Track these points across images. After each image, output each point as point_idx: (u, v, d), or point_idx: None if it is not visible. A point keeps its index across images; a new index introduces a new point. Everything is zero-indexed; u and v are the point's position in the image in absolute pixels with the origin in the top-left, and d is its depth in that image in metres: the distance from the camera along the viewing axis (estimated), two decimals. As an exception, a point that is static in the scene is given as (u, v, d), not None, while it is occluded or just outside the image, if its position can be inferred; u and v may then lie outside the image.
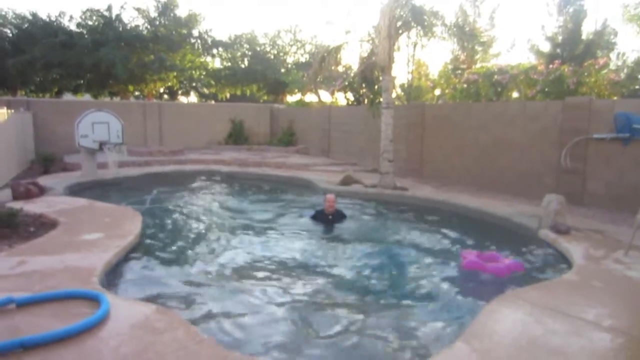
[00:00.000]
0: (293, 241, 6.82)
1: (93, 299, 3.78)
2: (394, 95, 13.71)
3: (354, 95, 17.42)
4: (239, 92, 27.88)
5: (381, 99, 10.80)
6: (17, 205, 7.30)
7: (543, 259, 5.93)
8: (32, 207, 7.42)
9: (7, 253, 5.12)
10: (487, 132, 10.71)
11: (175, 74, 23.72)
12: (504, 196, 9.57)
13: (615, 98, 10.97)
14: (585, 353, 3.13)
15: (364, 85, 12.89)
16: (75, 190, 9.89)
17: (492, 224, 7.75)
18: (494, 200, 9.11)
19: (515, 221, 7.45)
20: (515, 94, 13.84)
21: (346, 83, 15.47)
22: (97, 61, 20.47)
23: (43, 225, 6.62)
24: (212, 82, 27.10)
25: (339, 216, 7.73)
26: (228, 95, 28.78)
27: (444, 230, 7.45)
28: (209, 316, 4.10)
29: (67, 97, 26.65)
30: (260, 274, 5.33)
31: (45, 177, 11.05)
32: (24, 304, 3.67)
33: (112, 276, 4.82)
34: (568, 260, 5.48)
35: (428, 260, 5.96)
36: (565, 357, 3.05)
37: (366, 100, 14.28)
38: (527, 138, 9.79)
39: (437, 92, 17.93)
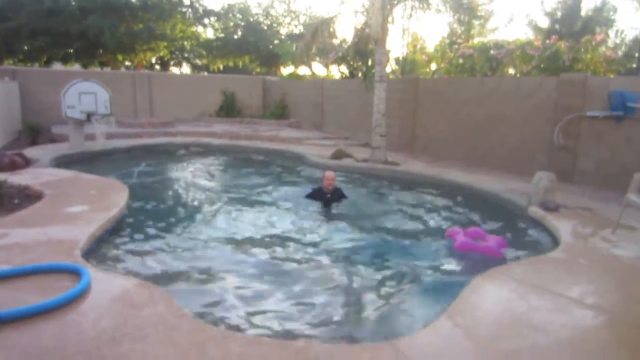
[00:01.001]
0: (284, 215, 6.74)
1: (74, 272, 3.72)
2: (388, 69, 13.54)
3: (348, 69, 17.17)
4: (231, 64, 27.42)
5: (374, 72, 10.63)
6: (1, 177, 7.16)
7: (530, 236, 5.94)
8: (17, 178, 7.27)
9: (-11, 225, 5.03)
10: (481, 108, 10.62)
11: (165, 44, 23.22)
12: (495, 172, 9.55)
13: (611, 76, 10.87)
14: (567, 330, 3.14)
15: (357, 58, 12.69)
16: (62, 162, 9.73)
17: (482, 200, 7.74)
18: (485, 176, 9.09)
19: (505, 197, 7.45)
20: (511, 70, 13.70)
21: (340, 55, 15.20)
22: (85, 29, 19.94)
23: (28, 197, 6.50)
24: (204, 53, 26.60)
25: (338, 195, 7.19)
26: (221, 67, 28.31)
27: (433, 206, 7.44)
28: (192, 290, 4.08)
29: (57, 66, 26.10)
30: (248, 248, 5.28)
31: (32, 149, 10.86)
32: (3, 277, 3.61)
33: (95, 249, 4.75)
34: (555, 237, 5.48)
35: (416, 235, 5.95)
36: (546, 334, 3.06)
37: (360, 74, 14.10)
38: (521, 114, 9.72)
39: (433, 66, 17.71)
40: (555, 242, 5.38)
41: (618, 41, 21.92)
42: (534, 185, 6.61)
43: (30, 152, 9.97)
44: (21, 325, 2.94)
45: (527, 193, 6.87)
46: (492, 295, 3.66)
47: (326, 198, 7.02)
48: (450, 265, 4.99)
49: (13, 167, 8.03)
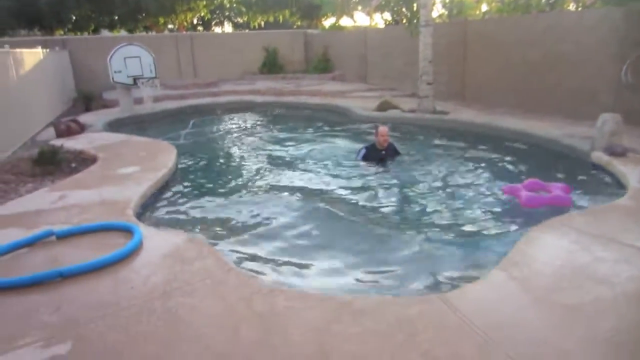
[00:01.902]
0: (332, 170, 6.61)
1: (127, 231, 3.85)
2: (434, 13, 12.83)
3: (392, 15, 16.45)
4: (271, 19, 26.90)
5: (419, 17, 10.08)
6: (59, 142, 7.48)
7: (594, 184, 5.52)
8: (73, 143, 7.59)
9: (50, 188, 5.28)
10: (536, 48, 9.88)
11: (204, 2, 23.02)
12: (552, 118, 8.97)
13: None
14: (634, 282, 2.89)
15: (401, 2, 12.07)
16: (114, 126, 10.05)
17: (539, 148, 7.32)
18: (541, 122, 8.57)
19: (565, 143, 6.98)
20: (571, 7, 12.64)
21: (382, 2, 14.53)
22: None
23: (84, 160, 6.79)
24: (244, 10, 26.22)
25: (392, 151, 6.78)
26: (262, 23, 27.88)
27: (487, 155, 7.11)
28: (238, 246, 4.11)
29: (105, 34, 26.64)
30: (295, 204, 5.24)
31: (86, 115, 11.31)
32: (63, 236, 3.79)
33: (147, 208, 4.90)
34: (623, 184, 5.06)
35: (470, 189, 5.66)
36: (611, 286, 2.83)
37: (404, 20, 13.46)
38: (582, 52, 8.94)
39: (484, 8, 16.64)
40: (622, 189, 4.96)
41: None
42: (598, 129, 6.12)
43: (84, 118, 10.36)
44: (81, 281, 3.08)
45: (590, 137, 6.39)
46: (550, 247, 3.43)
47: (380, 155, 6.65)
48: (507, 219, 4.71)
49: (69, 133, 8.37)
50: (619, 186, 5.15)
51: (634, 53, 7.99)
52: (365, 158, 6.64)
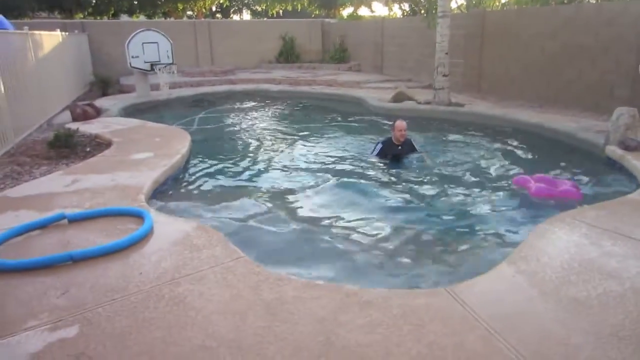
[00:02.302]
0: (345, 161, 6.61)
1: (138, 216, 3.89)
2: (453, 4, 12.64)
3: (410, 5, 16.24)
4: (289, 8, 26.81)
5: (437, 7, 9.94)
6: (74, 126, 7.58)
7: (607, 177, 5.47)
8: (89, 127, 7.68)
9: (64, 172, 5.35)
10: (554, 40, 9.69)
11: (223, -11, 23.02)
12: (570, 111, 8.83)
13: None
14: (644, 278, 2.86)
15: (419, -8, 11.89)
16: (130, 112, 10.14)
17: (554, 141, 7.22)
18: (558, 115, 8.45)
19: (580, 137, 6.89)
20: (592, 1, 12.33)
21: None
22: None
23: (99, 145, 6.87)
24: (262, -3, 26.17)
25: (409, 147, 6.49)
26: (280, 12, 27.78)
27: (501, 148, 7.06)
28: (248, 235, 4.14)
29: (124, 18, 26.82)
30: (308, 194, 5.25)
31: (103, 99, 11.40)
32: (74, 220, 3.85)
33: (159, 194, 4.94)
34: (636, 178, 5.01)
35: (484, 182, 5.61)
36: (621, 281, 2.81)
37: (422, 10, 13.28)
38: (601, 45, 8.76)
39: (504, 0, 16.33)
40: (635, 183, 4.92)
41: None
42: (613, 122, 6.01)
43: (100, 102, 10.46)
44: (90, 264, 3.13)
45: (605, 131, 6.29)
46: (560, 241, 3.40)
47: (396, 150, 6.38)
48: (516, 213, 4.67)
49: (85, 117, 8.46)
50: (632, 180, 5.09)
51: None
52: (381, 153, 6.44)
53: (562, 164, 6.09)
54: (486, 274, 3.00)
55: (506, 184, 5.44)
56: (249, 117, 10.44)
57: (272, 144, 7.80)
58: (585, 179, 5.50)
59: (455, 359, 2.17)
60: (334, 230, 4.29)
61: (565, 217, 3.82)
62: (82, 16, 23.98)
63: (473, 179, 5.72)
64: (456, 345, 2.26)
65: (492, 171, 6.04)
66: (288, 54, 19.74)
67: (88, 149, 6.64)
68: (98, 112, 8.99)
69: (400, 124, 6.38)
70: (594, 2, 11.51)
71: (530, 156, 6.67)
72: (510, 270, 2.99)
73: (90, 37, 16.19)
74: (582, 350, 2.23)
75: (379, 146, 6.50)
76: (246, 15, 33.47)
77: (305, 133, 8.55)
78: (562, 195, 4.66)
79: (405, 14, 17.37)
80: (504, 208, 4.78)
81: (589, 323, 2.43)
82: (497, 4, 16.41)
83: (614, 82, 8.63)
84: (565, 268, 2.99)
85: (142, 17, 26.77)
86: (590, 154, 6.36)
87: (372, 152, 6.59)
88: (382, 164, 6.33)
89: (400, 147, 6.40)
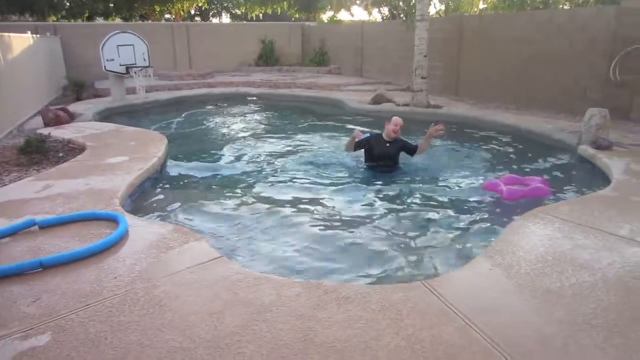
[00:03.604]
0: (322, 163, 6.57)
1: (113, 220, 3.81)
2: (432, 9, 12.79)
3: (389, 10, 16.39)
4: (269, 11, 26.78)
5: (415, 11, 10.06)
6: (46, 131, 7.41)
7: (580, 176, 5.62)
8: (62, 132, 7.51)
9: (35, 177, 5.21)
10: (530, 45, 9.89)
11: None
12: (545, 114, 9.02)
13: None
14: (614, 268, 2.95)
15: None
16: (105, 116, 9.98)
17: (529, 141, 7.36)
18: (533, 117, 8.62)
19: (555, 137, 7.05)
20: (566, 7, 12.65)
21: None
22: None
23: (72, 150, 6.72)
24: (242, 0, 26.05)
25: (398, 147, 5.99)
26: (261, 16, 27.72)
27: (477, 149, 7.14)
28: (226, 236, 4.10)
29: (99, 22, 26.41)
30: (285, 196, 5.23)
31: (77, 104, 11.17)
32: (46, 226, 3.74)
33: (134, 198, 4.86)
34: (607, 176, 5.15)
35: (458, 181, 5.67)
36: (592, 272, 2.89)
37: (401, 14, 13.42)
38: (575, 50, 8.98)
39: (481, 5, 16.62)
40: (606, 181, 5.04)
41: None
42: (586, 123, 6.17)
43: (74, 107, 10.25)
44: (62, 271, 3.04)
45: (578, 132, 6.45)
46: (535, 235, 3.47)
47: (384, 147, 5.94)
48: (491, 211, 4.75)
49: (57, 121, 8.27)
50: (603, 178, 5.22)
51: (622, 50, 8.02)
52: (365, 144, 6.00)
53: (538, 162, 6.22)
54: (463, 267, 3.05)
55: (480, 185, 5.50)
56: (228, 121, 10.38)
57: (250, 147, 7.75)
58: (559, 177, 5.62)
59: (433, 351, 2.18)
60: (312, 229, 4.28)
61: (539, 212, 3.91)
62: (55, 19, 23.54)
63: (449, 179, 5.78)
64: (434, 338, 2.28)
65: (469, 171, 6.10)
66: (268, 57, 19.70)
67: (61, 154, 6.48)
68: (71, 117, 8.80)
69: (397, 119, 5.96)
70: (568, 8, 11.80)
71: (506, 156, 6.78)
72: (487, 264, 3.04)
73: (63, 40, 15.87)
74: (556, 338, 2.28)
75: (366, 135, 6.12)
76: (225, 19, 33.34)
77: (284, 135, 8.53)
78: (532, 194, 4.77)
79: (384, 18, 17.51)
80: (478, 206, 4.85)
81: (563, 312, 2.49)
82: (475, 9, 16.71)
83: (587, 85, 8.84)
84: (540, 261, 3.06)
85: (118, 20, 26.40)
86: (564, 153, 6.51)
87: (358, 141, 6.10)
88: (358, 163, 6.30)
89: (388, 145, 5.96)
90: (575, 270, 2.93)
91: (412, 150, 6.03)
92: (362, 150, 6.12)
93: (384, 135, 6.02)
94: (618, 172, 5.01)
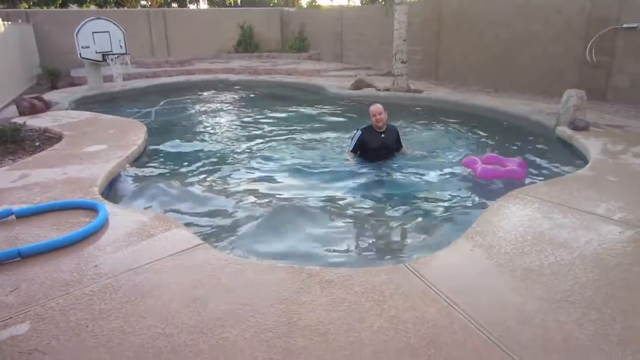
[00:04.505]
0: (304, 150, 6.57)
1: (92, 209, 3.75)
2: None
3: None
4: (247, -4, 26.47)
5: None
6: (21, 120, 7.22)
7: (557, 157, 5.69)
8: (37, 122, 7.34)
9: (10, 167, 5.10)
10: (509, 28, 9.96)
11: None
12: (524, 96, 9.12)
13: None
14: (592, 246, 3.03)
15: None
16: (82, 104, 9.76)
17: (508, 123, 7.45)
18: (512, 99, 8.71)
19: (533, 119, 7.15)
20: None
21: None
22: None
23: (48, 139, 6.58)
24: (219, -14, 25.65)
25: (393, 134, 5.74)
26: (239, 1, 27.31)
27: (457, 132, 7.20)
28: (207, 223, 4.08)
29: (73, 8, 25.72)
30: (267, 182, 5.21)
31: (53, 92, 10.91)
32: (23, 215, 3.67)
33: (114, 186, 4.80)
34: (584, 156, 5.25)
35: (437, 164, 5.69)
36: (571, 250, 2.96)
37: (380, -2, 13.36)
38: (552, 32, 9.08)
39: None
40: (583, 161, 5.14)
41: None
42: (563, 104, 6.27)
43: (49, 95, 10.01)
44: (41, 260, 2.99)
45: (556, 113, 6.54)
46: (514, 216, 3.53)
47: (380, 138, 5.56)
48: (472, 193, 4.79)
49: (33, 110, 8.08)
50: (581, 158, 5.33)
51: (598, 32, 8.13)
52: (360, 143, 5.62)
53: (516, 144, 6.30)
54: (445, 249, 3.08)
55: (458, 166, 5.54)
56: (208, 108, 10.25)
57: (230, 134, 7.69)
58: (537, 158, 5.70)
59: (416, 332, 2.21)
60: (294, 214, 4.26)
61: (519, 193, 3.98)
62: (27, 6, 22.85)
63: (430, 161, 5.81)
64: (417, 319, 2.31)
65: (448, 154, 6.14)
66: (247, 44, 19.45)
67: (37, 144, 6.34)
68: (47, 106, 8.59)
69: (375, 108, 5.50)
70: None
71: (485, 139, 6.85)
72: (468, 245, 3.08)
73: (36, 27, 15.41)
74: (535, 315, 2.33)
75: (358, 134, 5.64)
76: (203, 5, 32.78)
77: (264, 121, 8.47)
78: (507, 175, 4.79)
79: (364, 2, 17.42)
80: (458, 188, 4.90)
81: (542, 290, 2.54)
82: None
83: (564, 67, 8.95)
84: (520, 240, 3.11)
85: (92, 7, 25.73)
86: (543, 135, 6.60)
87: (350, 145, 5.78)
88: (340, 150, 6.25)
89: (383, 135, 5.57)
90: (554, 249, 2.99)
91: (399, 148, 5.87)
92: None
93: (373, 126, 5.62)
94: (595, 153, 5.11)
